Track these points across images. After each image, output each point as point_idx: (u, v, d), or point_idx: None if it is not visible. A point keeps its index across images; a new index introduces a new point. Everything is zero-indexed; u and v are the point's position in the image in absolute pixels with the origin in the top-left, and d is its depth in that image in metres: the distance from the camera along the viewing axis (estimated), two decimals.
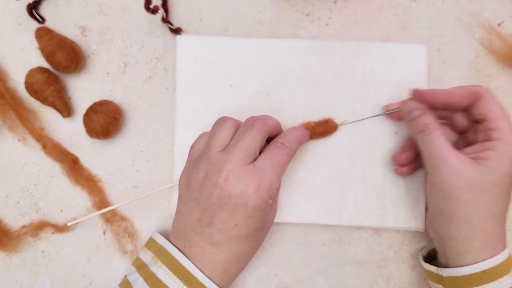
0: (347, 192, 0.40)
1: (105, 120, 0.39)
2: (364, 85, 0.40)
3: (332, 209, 0.40)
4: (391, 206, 0.39)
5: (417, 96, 0.36)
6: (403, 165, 0.39)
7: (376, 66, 0.40)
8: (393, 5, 0.43)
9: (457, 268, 0.33)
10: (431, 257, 0.39)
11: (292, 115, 0.40)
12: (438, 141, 0.33)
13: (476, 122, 0.35)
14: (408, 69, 0.40)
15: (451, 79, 0.42)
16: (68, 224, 0.39)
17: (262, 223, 0.34)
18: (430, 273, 0.37)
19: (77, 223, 0.41)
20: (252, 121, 0.35)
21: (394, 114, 0.39)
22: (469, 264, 0.32)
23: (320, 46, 0.41)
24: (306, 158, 0.40)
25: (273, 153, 0.34)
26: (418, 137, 0.35)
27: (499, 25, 0.42)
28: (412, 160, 0.38)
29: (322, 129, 0.39)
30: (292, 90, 0.41)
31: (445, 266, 0.35)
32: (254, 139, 0.33)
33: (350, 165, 0.40)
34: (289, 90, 0.41)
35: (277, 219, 0.39)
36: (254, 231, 0.34)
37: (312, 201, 0.40)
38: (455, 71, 0.42)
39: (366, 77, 0.40)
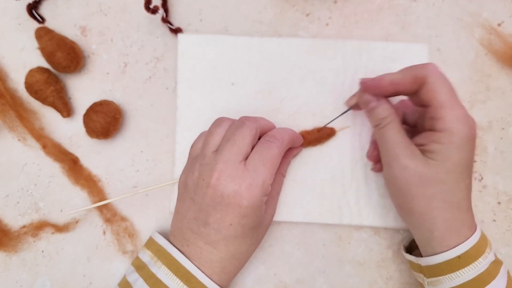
0: (348, 191, 0.40)
1: (105, 120, 0.39)
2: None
3: (333, 208, 0.40)
4: (392, 206, 0.39)
5: (365, 88, 0.35)
6: (377, 162, 0.39)
7: (378, 65, 0.40)
8: (393, 5, 0.43)
9: (432, 257, 0.33)
10: (413, 248, 0.39)
11: (294, 113, 0.40)
12: (390, 136, 0.33)
13: (424, 105, 0.34)
14: None
15: (451, 79, 0.41)
16: (66, 213, 0.40)
17: (257, 221, 0.34)
18: (411, 263, 0.37)
19: (79, 219, 0.41)
20: (243, 119, 0.35)
21: (359, 107, 0.37)
22: (439, 253, 0.32)
23: (322, 45, 0.41)
24: (308, 157, 0.40)
25: (263, 149, 0.34)
26: (374, 130, 0.35)
27: (499, 25, 0.42)
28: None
29: (315, 136, 0.39)
30: (293, 89, 0.41)
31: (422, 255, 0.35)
32: (244, 136, 0.33)
33: (351, 165, 0.40)
34: (290, 89, 0.41)
35: (278, 218, 0.39)
36: (249, 230, 0.34)
37: (313, 200, 0.40)
38: (455, 71, 0.42)
39: (368, 76, 0.40)
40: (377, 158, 0.38)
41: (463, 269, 0.31)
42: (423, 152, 0.32)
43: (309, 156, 0.40)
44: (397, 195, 0.34)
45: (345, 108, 0.39)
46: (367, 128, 0.40)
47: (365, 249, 0.41)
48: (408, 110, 0.37)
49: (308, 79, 0.41)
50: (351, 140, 0.40)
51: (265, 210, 0.35)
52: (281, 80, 0.41)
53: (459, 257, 0.32)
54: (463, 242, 0.32)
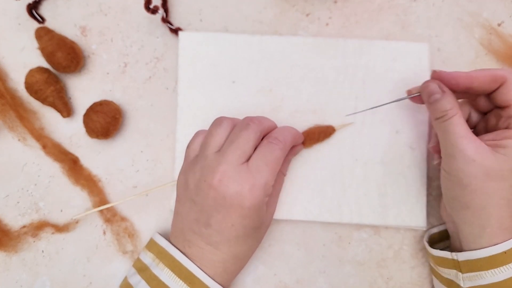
0: (348, 189, 0.40)
1: (105, 120, 0.39)
2: (367, 83, 0.40)
3: (333, 207, 0.40)
4: (392, 204, 0.39)
5: (437, 78, 0.34)
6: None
7: (379, 63, 0.40)
8: (393, 5, 0.43)
9: (475, 251, 0.32)
10: (432, 242, 0.39)
11: (295, 112, 0.40)
12: (455, 128, 0.32)
13: (499, 107, 0.34)
14: (410, 67, 0.40)
15: None
16: (73, 217, 0.40)
17: (259, 222, 0.34)
18: (441, 259, 0.36)
19: (79, 219, 0.41)
20: (247, 121, 0.35)
21: (418, 98, 0.36)
22: (484, 247, 0.32)
23: (323, 44, 0.41)
24: (308, 155, 0.40)
25: (266, 150, 0.34)
26: (435, 122, 0.34)
27: (499, 25, 0.42)
28: None
29: (315, 135, 0.39)
30: (294, 87, 0.41)
31: (459, 250, 0.34)
32: (248, 139, 0.33)
33: (351, 163, 0.40)
34: (291, 87, 0.41)
35: (278, 216, 0.39)
36: (251, 230, 0.34)
37: (313, 199, 0.40)
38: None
39: (369, 75, 0.40)
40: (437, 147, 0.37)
41: (507, 265, 0.31)
42: (493, 147, 0.32)
43: (310, 154, 0.40)
44: (456, 188, 0.33)
45: (346, 107, 0.39)
46: (368, 127, 0.40)
47: (365, 249, 0.41)
48: (470, 110, 0.37)
49: (309, 77, 0.41)
50: (351, 139, 0.40)
51: (266, 210, 0.35)
52: (282, 79, 0.41)
53: (505, 252, 0.31)
54: (510, 238, 0.31)
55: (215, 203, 0.32)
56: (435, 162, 0.39)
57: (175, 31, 0.42)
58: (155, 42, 0.43)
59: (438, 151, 0.36)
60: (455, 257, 0.34)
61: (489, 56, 0.42)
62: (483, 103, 0.35)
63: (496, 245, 0.31)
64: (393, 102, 0.38)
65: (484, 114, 0.36)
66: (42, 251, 0.42)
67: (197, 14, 0.43)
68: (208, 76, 0.41)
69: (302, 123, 0.40)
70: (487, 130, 0.35)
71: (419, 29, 0.42)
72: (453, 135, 0.32)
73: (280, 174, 0.38)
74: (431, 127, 0.39)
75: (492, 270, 0.31)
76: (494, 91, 0.33)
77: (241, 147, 0.33)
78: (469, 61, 0.42)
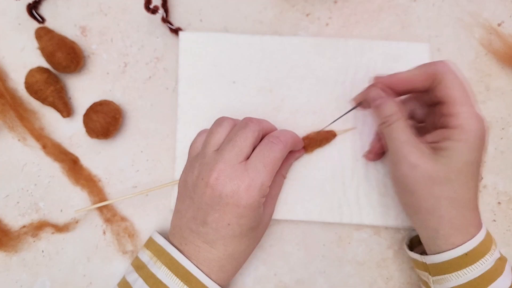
0: (348, 190, 0.40)
1: (105, 120, 0.39)
2: (367, 83, 0.40)
3: (333, 207, 0.40)
4: (393, 204, 0.39)
5: (378, 83, 0.35)
6: (373, 153, 0.39)
7: (379, 64, 0.40)
8: (393, 5, 0.43)
9: (438, 255, 0.33)
10: (414, 245, 0.39)
11: (295, 112, 0.40)
12: (397, 134, 0.32)
13: (437, 104, 0.34)
14: (411, 67, 0.40)
15: None
16: (75, 211, 0.40)
17: (255, 222, 0.34)
18: (415, 261, 0.36)
19: (79, 218, 0.41)
20: (246, 120, 0.35)
21: (366, 104, 0.37)
22: (445, 251, 0.32)
23: (323, 44, 0.41)
24: (308, 156, 0.40)
25: (265, 150, 0.34)
26: (380, 128, 0.34)
27: (499, 25, 0.42)
28: (384, 150, 0.38)
29: (316, 142, 0.39)
30: (295, 87, 0.41)
31: (427, 253, 0.35)
32: (246, 137, 0.33)
33: (351, 163, 0.40)
34: (292, 87, 0.41)
35: (278, 216, 0.39)
36: (247, 230, 0.34)
37: (313, 199, 0.40)
38: None
39: (369, 75, 0.40)
40: (378, 150, 0.38)
41: (470, 267, 0.31)
42: (434, 150, 0.32)
43: (310, 154, 0.40)
44: (404, 193, 0.33)
45: (347, 107, 0.39)
46: (368, 127, 0.40)
47: (365, 249, 0.41)
48: (416, 106, 0.37)
49: (309, 77, 0.41)
50: (352, 139, 0.40)
51: (263, 210, 0.35)
52: (282, 79, 0.41)
53: (466, 254, 0.31)
54: (469, 240, 0.32)
55: (211, 201, 0.32)
56: (363, 155, 0.40)
57: (175, 31, 0.42)
58: (155, 42, 0.43)
59: (374, 149, 0.38)
60: (424, 260, 0.34)
61: (489, 56, 0.42)
62: (427, 97, 0.35)
63: (457, 248, 0.32)
64: (349, 111, 0.38)
65: (431, 107, 0.36)
66: (42, 251, 0.42)
67: (197, 14, 0.43)
68: (208, 76, 0.41)
69: (303, 123, 0.40)
70: (435, 124, 0.35)
71: (419, 29, 0.42)
72: (396, 140, 0.32)
73: (279, 176, 0.38)
74: (375, 134, 0.40)
75: (456, 273, 0.32)
76: (432, 88, 0.33)
77: (238, 145, 0.33)
78: (469, 61, 0.42)
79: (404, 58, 0.40)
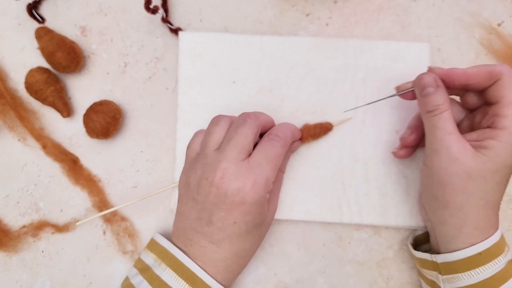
0: (348, 189, 0.40)
1: (105, 120, 0.39)
2: (367, 83, 0.40)
3: (333, 207, 0.40)
4: (393, 204, 0.39)
5: (433, 71, 0.34)
6: (407, 147, 0.38)
7: (379, 64, 0.40)
8: (393, 5, 0.43)
9: (451, 254, 0.33)
10: (418, 244, 0.39)
11: (295, 112, 0.40)
12: (444, 124, 0.32)
13: (488, 103, 0.33)
14: (411, 67, 0.40)
15: None
16: (76, 223, 0.39)
17: (261, 218, 0.34)
18: (421, 260, 0.36)
19: (79, 219, 0.41)
20: (244, 117, 0.35)
21: (407, 94, 0.36)
22: (460, 249, 0.32)
23: (323, 44, 0.41)
24: (308, 155, 0.40)
25: (267, 147, 0.34)
26: (425, 116, 0.33)
27: (499, 25, 0.42)
28: (417, 143, 0.37)
29: (313, 129, 0.39)
30: (295, 87, 0.41)
31: (437, 251, 0.35)
32: (246, 135, 0.33)
33: (351, 163, 0.40)
34: (292, 87, 0.41)
35: (278, 216, 0.39)
36: (253, 227, 0.34)
37: (313, 199, 0.40)
38: None
39: (369, 75, 0.40)
40: (411, 143, 0.37)
41: (482, 266, 0.31)
42: (476, 147, 0.32)
43: (310, 154, 0.40)
44: (436, 186, 0.33)
45: (347, 106, 0.39)
46: (368, 127, 0.40)
47: (365, 249, 0.41)
48: (456, 109, 0.36)
49: (309, 77, 0.41)
50: (352, 138, 0.40)
51: (267, 207, 0.35)
52: (282, 78, 0.41)
53: (480, 254, 0.31)
54: (485, 239, 0.32)
55: (216, 200, 0.32)
56: (392, 151, 0.39)
57: (175, 31, 0.42)
58: (155, 42, 0.43)
59: (406, 143, 0.37)
60: (434, 259, 0.34)
61: (489, 56, 0.42)
62: (471, 100, 0.35)
63: (471, 247, 0.32)
64: (386, 98, 0.37)
65: (469, 111, 0.36)
66: (42, 251, 0.42)
67: (197, 14, 0.43)
68: (208, 76, 0.41)
69: (303, 123, 0.40)
70: (471, 129, 0.35)
71: (419, 29, 0.42)
72: (441, 130, 0.32)
73: (279, 172, 0.38)
74: (414, 119, 0.38)
75: (468, 272, 0.32)
76: (488, 87, 0.33)
77: (239, 143, 0.33)
78: (469, 61, 0.42)
79: (404, 58, 0.40)
